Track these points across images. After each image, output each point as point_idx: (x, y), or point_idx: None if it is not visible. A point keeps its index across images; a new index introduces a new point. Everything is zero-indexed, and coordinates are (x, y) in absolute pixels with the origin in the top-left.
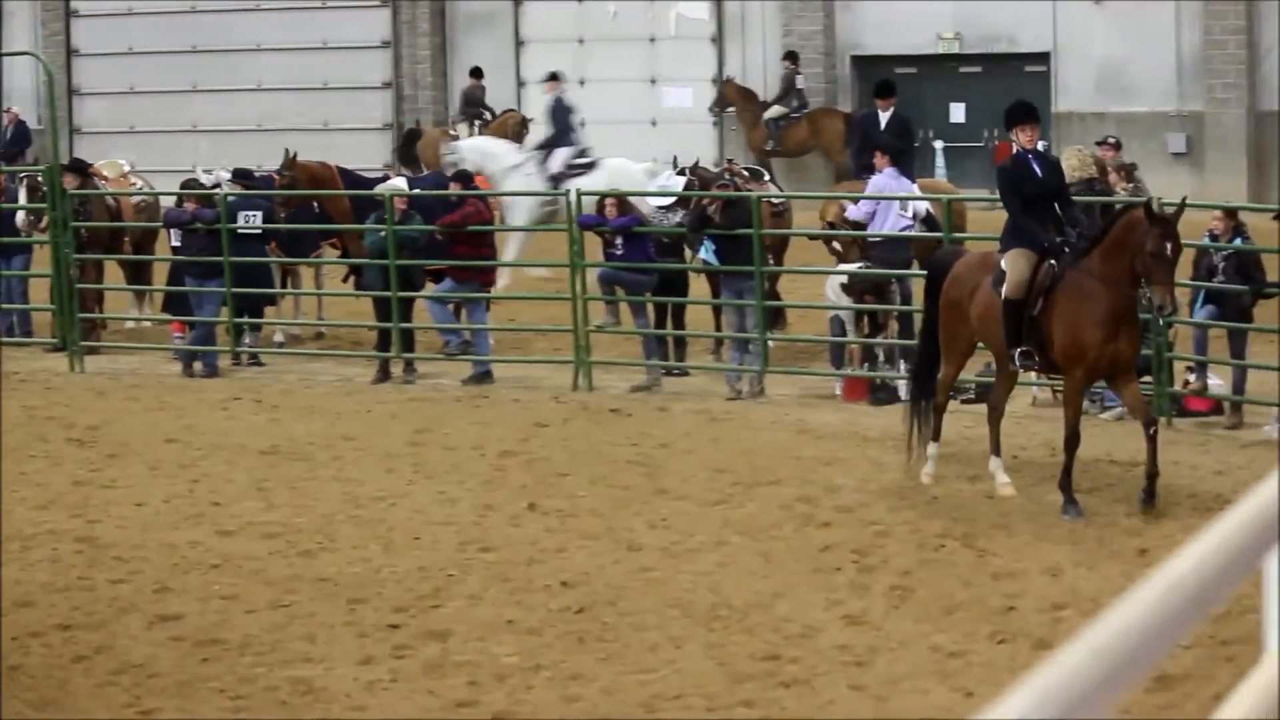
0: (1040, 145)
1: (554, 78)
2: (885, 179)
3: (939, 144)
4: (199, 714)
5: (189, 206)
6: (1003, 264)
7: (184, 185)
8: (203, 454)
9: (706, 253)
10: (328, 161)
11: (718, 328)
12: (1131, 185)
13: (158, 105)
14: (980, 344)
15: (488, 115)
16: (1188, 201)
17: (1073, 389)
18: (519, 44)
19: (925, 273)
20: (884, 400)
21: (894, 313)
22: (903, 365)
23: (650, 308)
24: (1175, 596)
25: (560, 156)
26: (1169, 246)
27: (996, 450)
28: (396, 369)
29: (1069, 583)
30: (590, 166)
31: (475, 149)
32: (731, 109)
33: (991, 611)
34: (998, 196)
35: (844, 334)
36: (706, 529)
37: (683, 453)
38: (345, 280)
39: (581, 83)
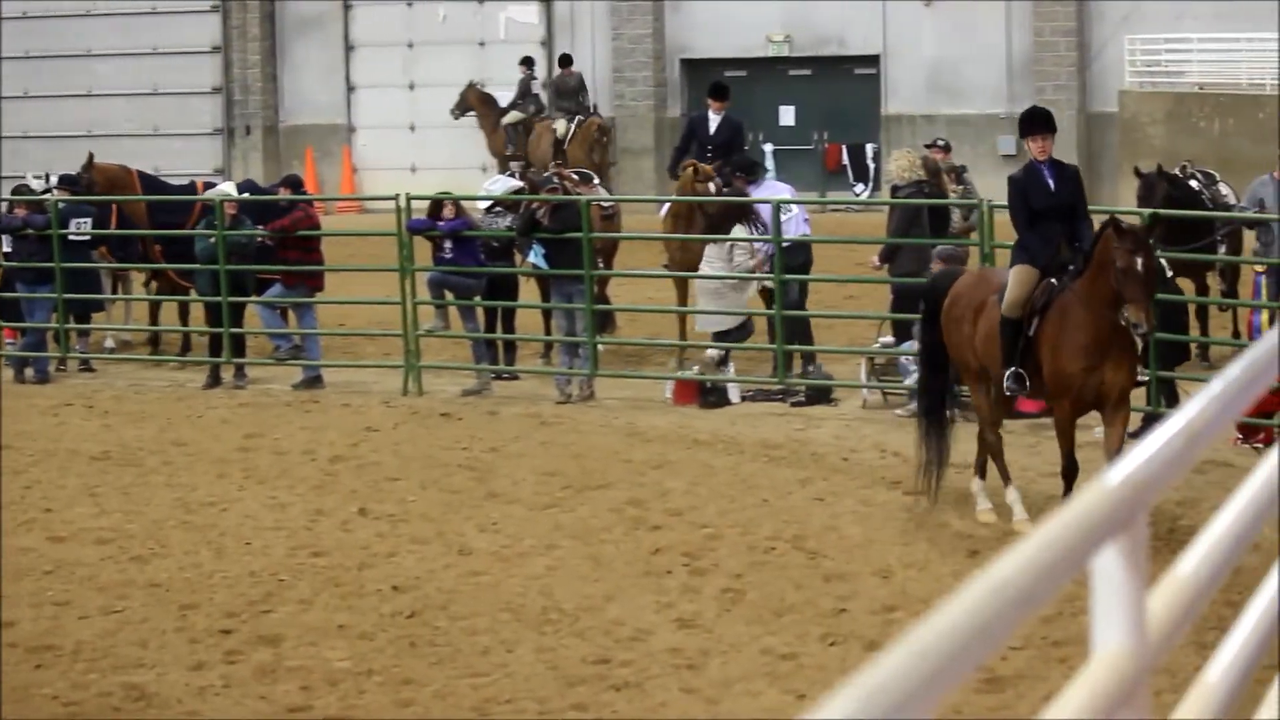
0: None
1: None
2: (773, 190)
3: (768, 147)
4: None
5: (20, 212)
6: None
7: (15, 191)
8: (34, 460)
9: (536, 256)
10: (128, 165)
11: (547, 331)
12: (961, 188)
13: None
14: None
15: (590, 107)
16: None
17: (1060, 420)
18: (349, 48)
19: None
20: (714, 403)
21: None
22: (732, 368)
23: (480, 311)
24: (1001, 597)
25: None
26: (1139, 262)
27: (1006, 479)
28: (227, 374)
29: (900, 584)
30: None
31: None
32: (472, 113)
33: (823, 613)
34: (829, 199)
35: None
36: (537, 532)
37: (513, 456)
38: (146, 285)
39: (411, 86)
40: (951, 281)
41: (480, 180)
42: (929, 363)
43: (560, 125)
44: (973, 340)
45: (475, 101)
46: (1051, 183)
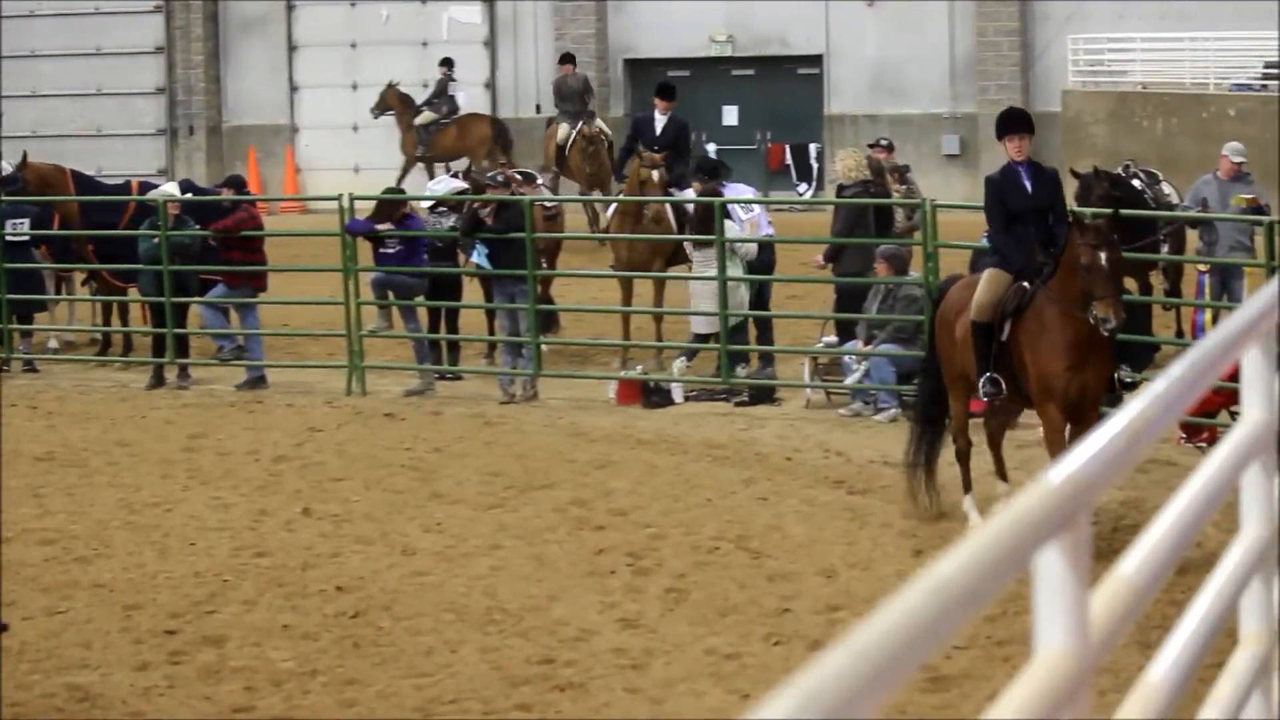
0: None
1: None
2: (736, 191)
3: (711, 147)
4: None
5: None
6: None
7: None
8: None
9: (479, 256)
10: (62, 165)
11: (491, 331)
12: (904, 187)
13: None
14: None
15: (593, 109)
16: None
17: (1050, 428)
18: (292, 48)
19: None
20: (657, 404)
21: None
22: (675, 367)
23: (422, 311)
24: (944, 596)
25: None
26: (1103, 256)
27: (967, 487)
28: (170, 375)
29: (844, 584)
30: None
31: None
32: (391, 112)
33: (766, 613)
34: (772, 199)
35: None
36: (481, 533)
37: (456, 457)
38: (84, 284)
39: (354, 86)
40: (950, 285)
41: (423, 180)
42: (929, 367)
43: (562, 130)
44: (955, 344)
45: (394, 101)
46: (1029, 185)
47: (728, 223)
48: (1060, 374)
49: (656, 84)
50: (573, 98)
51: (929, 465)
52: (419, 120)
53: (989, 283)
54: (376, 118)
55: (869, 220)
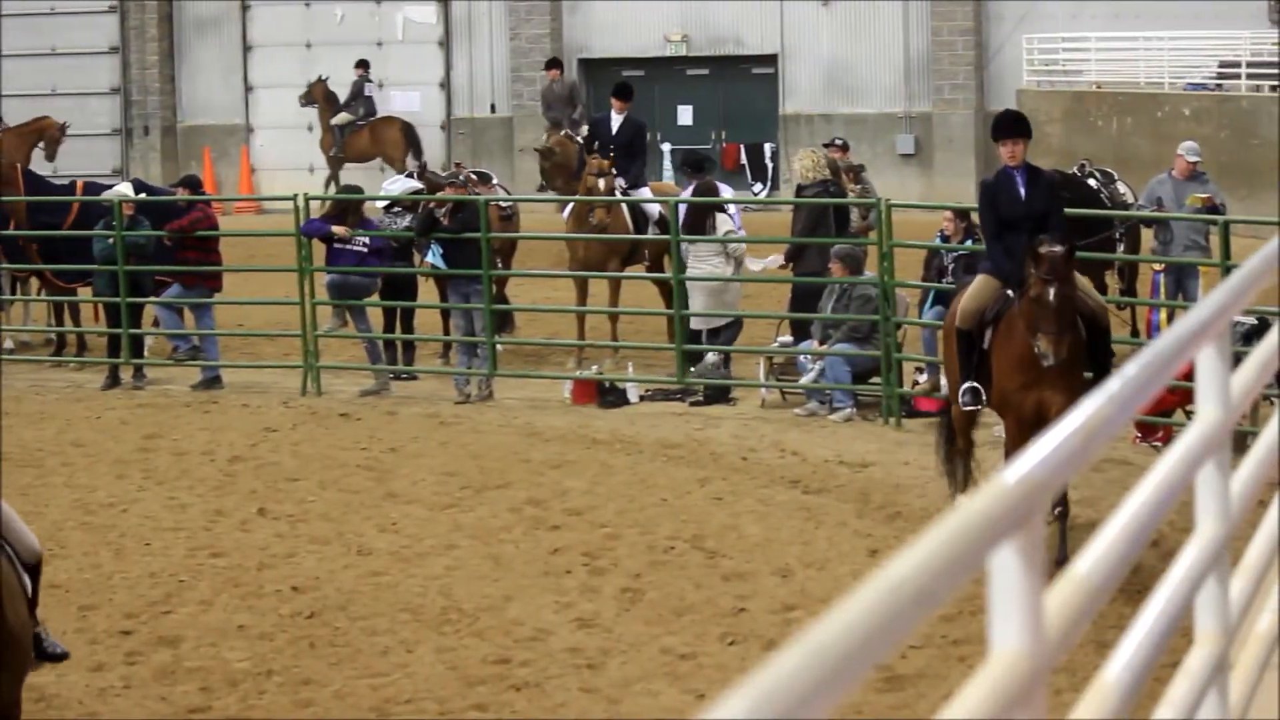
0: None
1: None
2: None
3: (666, 146)
4: None
5: None
6: None
7: None
8: None
9: (434, 256)
10: (14, 162)
11: (446, 331)
12: (859, 187)
13: None
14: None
15: (578, 120)
16: (928, 204)
17: (1007, 437)
18: (247, 48)
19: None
20: (612, 403)
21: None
22: (630, 367)
23: (376, 312)
24: (899, 596)
25: None
26: (1051, 292)
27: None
28: (126, 375)
29: (799, 584)
30: None
31: None
32: (314, 106)
33: (722, 613)
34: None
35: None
36: (436, 533)
37: (412, 456)
38: (25, 283)
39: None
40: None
41: (376, 180)
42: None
43: (544, 139)
44: (950, 349)
45: (319, 96)
46: (1023, 190)
47: (723, 219)
48: (1014, 390)
49: (613, 84)
50: (559, 104)
51: (966, 472)
52: (334, 121)
53: (976, 289)
54: (303, 106)
55: (830, 220)
